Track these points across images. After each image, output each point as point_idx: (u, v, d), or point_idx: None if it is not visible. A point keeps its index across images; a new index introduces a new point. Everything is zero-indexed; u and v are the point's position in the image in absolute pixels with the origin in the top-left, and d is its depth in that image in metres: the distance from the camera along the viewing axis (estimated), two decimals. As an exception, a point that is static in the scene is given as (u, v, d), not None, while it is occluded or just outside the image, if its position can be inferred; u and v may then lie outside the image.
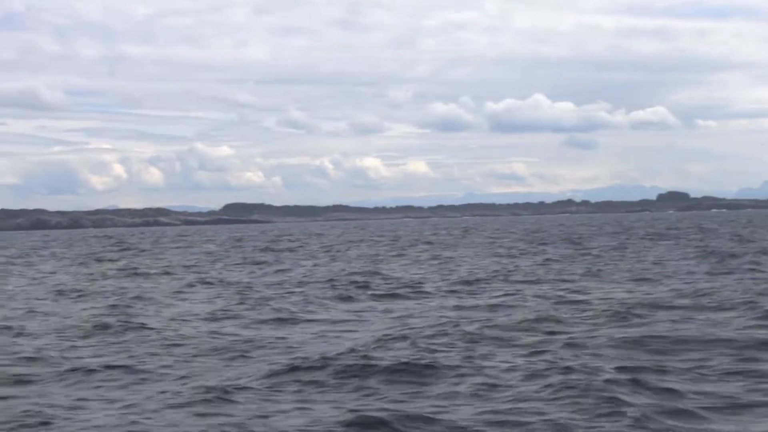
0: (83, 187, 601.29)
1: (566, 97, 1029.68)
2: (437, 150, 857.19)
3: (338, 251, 65.91)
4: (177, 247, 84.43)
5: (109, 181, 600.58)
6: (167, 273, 44.76)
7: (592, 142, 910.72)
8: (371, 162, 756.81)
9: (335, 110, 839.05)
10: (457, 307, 25.57)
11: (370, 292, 30.63)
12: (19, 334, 22.06)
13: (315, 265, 48.77)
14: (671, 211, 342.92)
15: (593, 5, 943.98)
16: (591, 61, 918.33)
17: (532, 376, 14.77)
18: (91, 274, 46.57)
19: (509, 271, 39.26)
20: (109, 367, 17.00)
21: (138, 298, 30.65)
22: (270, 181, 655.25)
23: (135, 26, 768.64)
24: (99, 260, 60.93)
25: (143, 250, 76.99)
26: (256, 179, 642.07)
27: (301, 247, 77.14)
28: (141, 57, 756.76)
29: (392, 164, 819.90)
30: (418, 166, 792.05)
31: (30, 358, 18.38)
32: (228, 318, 24.64)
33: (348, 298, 29.05)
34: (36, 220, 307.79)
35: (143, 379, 15.97)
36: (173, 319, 24.35)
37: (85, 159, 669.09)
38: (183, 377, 16.04)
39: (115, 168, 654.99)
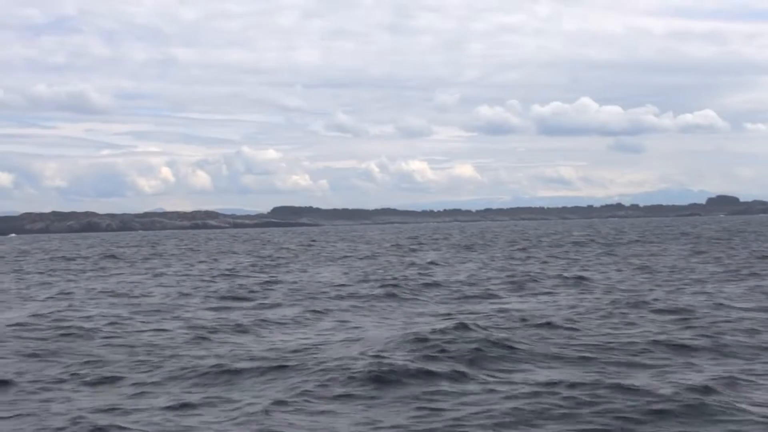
0: (131, 189, 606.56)
1: (614, 101, 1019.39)
2: (484, 153, 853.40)
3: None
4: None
5: (156, 184, 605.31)
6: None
7: (640, 146, 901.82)
8: (418, 165, 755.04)
9: (382, 114, 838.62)
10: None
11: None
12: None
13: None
14: (722, 215, 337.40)
15: (642, 8, 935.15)
16: (639, 64, 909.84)
17: None
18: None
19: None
20: None
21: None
22: (316, 185, 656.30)
23: (183, 30, 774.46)
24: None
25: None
26: (303, 182, 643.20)
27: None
28: (189, 60, 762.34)
29: (439, 168, 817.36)
30: (465, 169, 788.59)
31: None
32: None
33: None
34: (87, 223, 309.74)
35: None
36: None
37: (133, 162, 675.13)
38: None
39: (163, 171, 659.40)
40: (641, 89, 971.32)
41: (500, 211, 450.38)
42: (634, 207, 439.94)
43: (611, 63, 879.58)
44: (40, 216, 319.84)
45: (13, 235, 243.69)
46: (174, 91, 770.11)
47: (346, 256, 62.32)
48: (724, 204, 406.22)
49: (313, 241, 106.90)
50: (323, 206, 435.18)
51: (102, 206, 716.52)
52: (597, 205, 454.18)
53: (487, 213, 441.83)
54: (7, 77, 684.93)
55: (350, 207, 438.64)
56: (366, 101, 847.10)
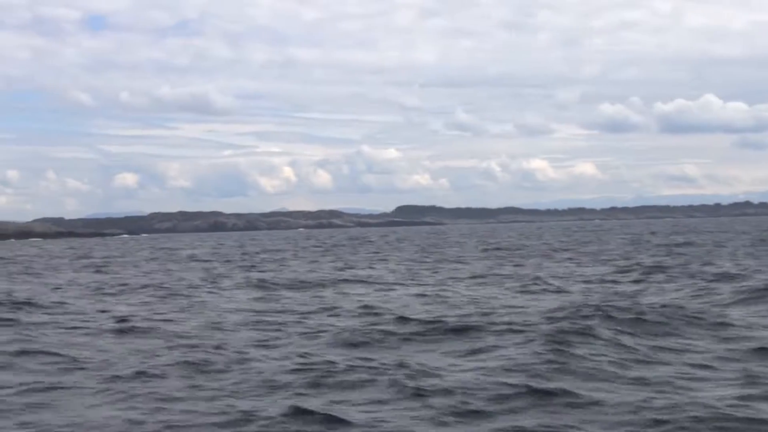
0: (253, 189, 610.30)
1: (738, 97, 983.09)
2: (605, 151, 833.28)
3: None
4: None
5: (278, 183, 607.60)
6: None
7: (766, 143, 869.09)
8: (538, 164, 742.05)
9: (502, 112, 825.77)
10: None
11: None
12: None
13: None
14: None
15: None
16: (765, 59, 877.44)
17: None
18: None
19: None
20: None
21: None
22: (437, 184, 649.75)
23: (304, 30, 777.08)
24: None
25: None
26: (423, 182, 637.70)
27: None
28: (310, 61, 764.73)
29: (559, 166, 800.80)
30: (586, 167, 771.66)
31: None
32: None
33: None
34: (213, 222, 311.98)
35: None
36: None
37: (255, 162, 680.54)
38: None
39: (285, 171, 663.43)
40: (767, 85, 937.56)
41: (625, 210, 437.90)
42: (763, 205, 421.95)
43: (736, 59, 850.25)
44: (168, 216, 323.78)
45: (144, 235, 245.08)
46: (295, 91, 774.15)
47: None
48: None
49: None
50: (445, 205, 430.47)
51: (224, 206, 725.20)
52: (724, 203, 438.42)
53: (612, 211, 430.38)
54: (133, 79, 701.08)
55: (471, 206, 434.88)
56: (485, 100, 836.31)
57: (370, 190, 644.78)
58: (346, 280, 36.40)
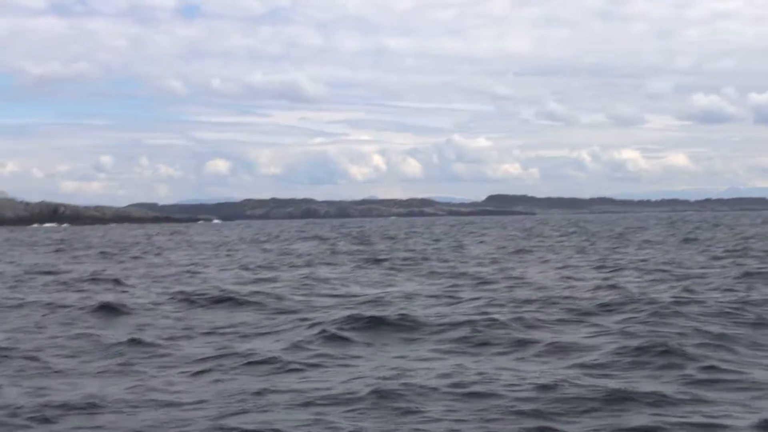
0: (343, 177, 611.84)
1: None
2: (698, 142, 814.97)
3: None
4: None
5: (368, 171, 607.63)
6: None
7: None
8: (630, 154, 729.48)
9: (594, 102, 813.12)
10: None
11: None
12: None
13: None
14: None
15: None
16: None
17: None
18: None
19: None
20: None
21: None
22: (527, 173, 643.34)
23: (396, 19, 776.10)
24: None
25: None
26: (514, 171, 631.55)
27: None
28: (402, 49, 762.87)
29: (651, 157, 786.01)
30: (678, 158, 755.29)
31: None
32: None
33: None
34: (305, 209, 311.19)
35: None
36: None
37: (346, 150, 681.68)
38: None
39: (374, 159, 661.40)
40: None
41: (719, 202, 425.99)
42: None
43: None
44: (260, 203, 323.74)
45: (240, 221, 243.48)
46: (387, 79, 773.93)
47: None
48: None
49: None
50: (536, 195, 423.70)
51: (315, 193, 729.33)
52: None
53: (706, 203, 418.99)
54: (225, 67, 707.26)
55: (563, 196, 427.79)
56: (577, 89, 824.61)
57: (459, 178, 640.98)
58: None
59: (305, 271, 32.99)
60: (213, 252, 51.48)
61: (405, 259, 40.10)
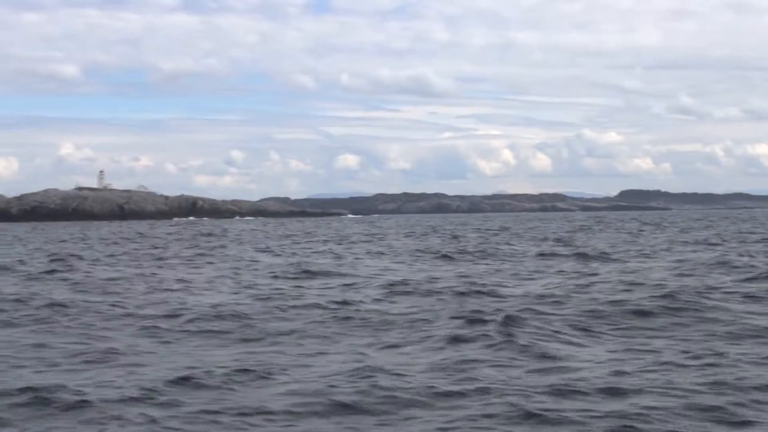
0: (472, 172, 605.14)
1: None
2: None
3: None
4: None
5: (497, 166, 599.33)
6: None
7: None
8: (765, 149, 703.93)
9: (727, 96, 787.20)
10: None
11: None
12: None
13: None
14: None
15: None
16: None
17: None
18: None
19: None
20: None
21: None
22: (659, 168, 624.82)
23: (525, 13, 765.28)
24: None
25: None
26: (645, 166, 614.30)
27: None
28: (530, 43, 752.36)
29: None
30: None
31: None
32: None
33: None
34: (437, 204, 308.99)
35: None
36: None
37: (475, 145, 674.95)
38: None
39: (504, 154, 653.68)
40: None
41: None
42: None
43: None
44: (392, 197, 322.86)
45: (377, 215, 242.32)
46: (515, 74, 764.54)
47: None
48: None
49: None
50: (669, 190, 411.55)
51: (444, 188, 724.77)
52: None
53: None
54: (354, 62, 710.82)
55: (696, 191, 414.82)
56: (709, 83, 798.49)
57: (589, 173, 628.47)
58: None
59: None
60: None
61: None
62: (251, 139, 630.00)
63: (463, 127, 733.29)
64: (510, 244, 49.04)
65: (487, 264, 32.90)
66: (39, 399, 10.59)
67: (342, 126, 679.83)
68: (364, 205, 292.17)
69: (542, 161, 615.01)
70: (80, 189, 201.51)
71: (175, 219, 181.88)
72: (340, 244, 54.05)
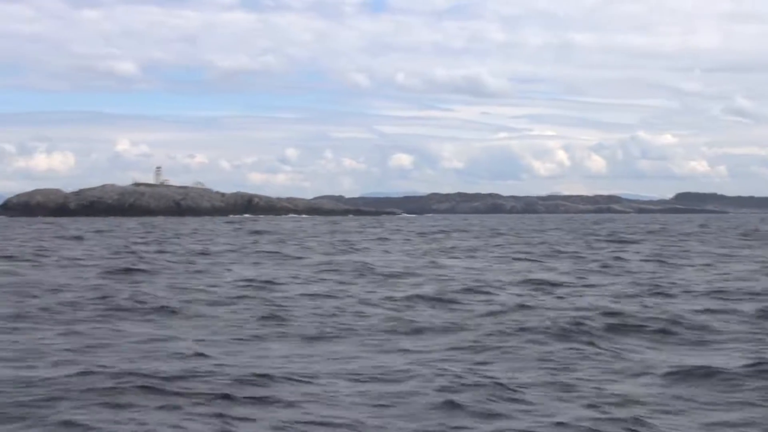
0: (525, 172, 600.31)
1: None
2: None
3: None
4: None
5: (552, 167, 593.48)
6: None
7: None
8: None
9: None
10: None
11: None
12: None
13: None
14: None
15: None
16: None
17: None
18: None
19: None
20: None
21: None
22: (715, 171, 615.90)
23: (583, 14, 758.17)
24: None
25: None
26: (701, 168, 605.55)
27: None
28: (587, 44, 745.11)
29: None
30: None
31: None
32: None
33: None
34: (491, 204, 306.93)
35: None
36: None
37: (529, 145, 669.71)
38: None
39: (558, 154, 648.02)
40: None
41: None
42: None
43: None
44: (446, 197, 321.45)
45: (429, 215, 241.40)
46: (571, 75, 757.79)
47: None
48: None
49: None
50: (726, 193, 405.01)
51: (497, 188, 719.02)
52: None
53: None
54: (409, 61, 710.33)
55: (753, 194, 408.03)
56: (767, 86, 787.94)
57: (644, 175, 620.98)
58: None
59: None
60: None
61: None
62: (306, 137, 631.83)
63: (517, 128, 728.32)
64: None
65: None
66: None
67: (396, 125, 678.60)
68: (417, 205, 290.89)
69: (597, 162, 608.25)
70: (137, 185, 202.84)
71: (231, 216, 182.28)
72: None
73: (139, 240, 57.11)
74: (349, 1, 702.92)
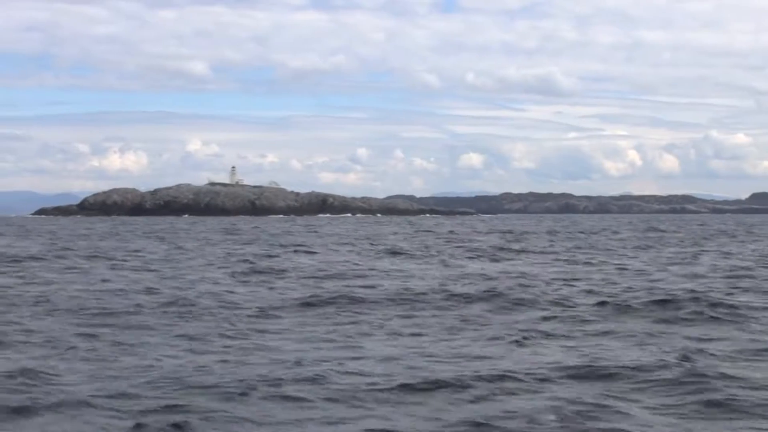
0: (597, 172, 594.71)
1: None
2: None
3: None
4: None
5: (623, 167, 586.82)
6: None
7: None
8: None
9: None
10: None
11: None
12: None
13: None
14: None
15: None
16: None
17: None
18: None
19: None
20: None
21: None
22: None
23: (653, 12, 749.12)
24: None
25: None
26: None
27: None
28: (658, 43, 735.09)
29: None
30: None
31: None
32: None
33: None
34: (564, 204, 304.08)
35: None
36: None
37: (600, 145, 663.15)
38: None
39: (630, 154, 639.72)
40: None
41: None
42: None
43: None
44: (518, 197, 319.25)
45: (501, 215, 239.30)
46: (641, 73, 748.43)
47: None
48: None
49: None
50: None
51: (569, 188, 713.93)
52: None
53: None
54: (480, 60, 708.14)
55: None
56: None
57: (717, 175, 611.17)
58: None
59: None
60: None
61: None
62: (377, 136, 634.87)
63: (588, 127, 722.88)
64: None
65: None
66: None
67: (467, 125, 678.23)
68: (489, 205, 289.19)
69: (669, 162, 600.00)
70: (212, 184, 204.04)
71: (305, 216, 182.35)
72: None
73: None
74: (421, 1, 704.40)
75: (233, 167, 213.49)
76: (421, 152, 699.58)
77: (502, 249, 45.01)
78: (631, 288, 22.83)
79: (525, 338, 14.51)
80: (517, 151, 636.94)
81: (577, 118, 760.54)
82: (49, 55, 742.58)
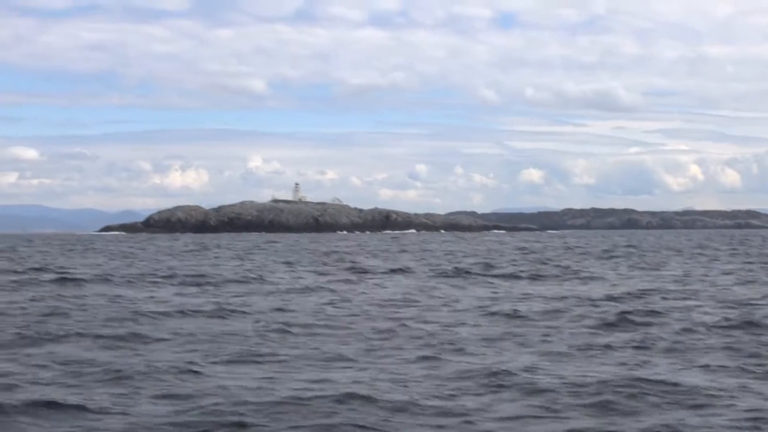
0: (659, 187, 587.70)
1: None
2: None
3: None
4: None
5: (684, 182, 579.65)
6: None
7: None
8: None
9: None
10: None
11: None
12: None
13: None
14: None
15: None
16: None
17: None
18: None
19: None
20: None
21: None
22: None
23: (716, 26, 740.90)
24: None
25: None
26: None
27: None
28: (721, 57, 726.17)
29: None
30: None
31: None
32: None
33: None
34: (627, 220, 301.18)
35: None
36: None
37: (661, 160, 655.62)
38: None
39: (692, 169, 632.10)
40: None
41: None
42: None
43: None
44: (580, 212, 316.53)
45: (565, 230, 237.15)
46: (705, 88, 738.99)
47: None
48: None
49: None
50: None
51: (630, 203, 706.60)
52: None
53: None
54: (540, 76, 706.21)
55: None
56: None
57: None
58: None
59: None
60: None
61: None
62: (436, 152, 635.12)
63: (650, 142, 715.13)
64: None
65: None
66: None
67: (526, 140, 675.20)
68: (551, 220, 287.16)
69: (731, 177, 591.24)
70: (276, 201, 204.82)
71: (368, 232, 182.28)
72: None
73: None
74: (480, 17, 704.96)
75: (296, 184, 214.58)
76: (480, 168, 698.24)
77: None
78: None
79: None
80: (577, 167, 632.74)
81: (638, 133, 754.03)
82: (115, 74, 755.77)
